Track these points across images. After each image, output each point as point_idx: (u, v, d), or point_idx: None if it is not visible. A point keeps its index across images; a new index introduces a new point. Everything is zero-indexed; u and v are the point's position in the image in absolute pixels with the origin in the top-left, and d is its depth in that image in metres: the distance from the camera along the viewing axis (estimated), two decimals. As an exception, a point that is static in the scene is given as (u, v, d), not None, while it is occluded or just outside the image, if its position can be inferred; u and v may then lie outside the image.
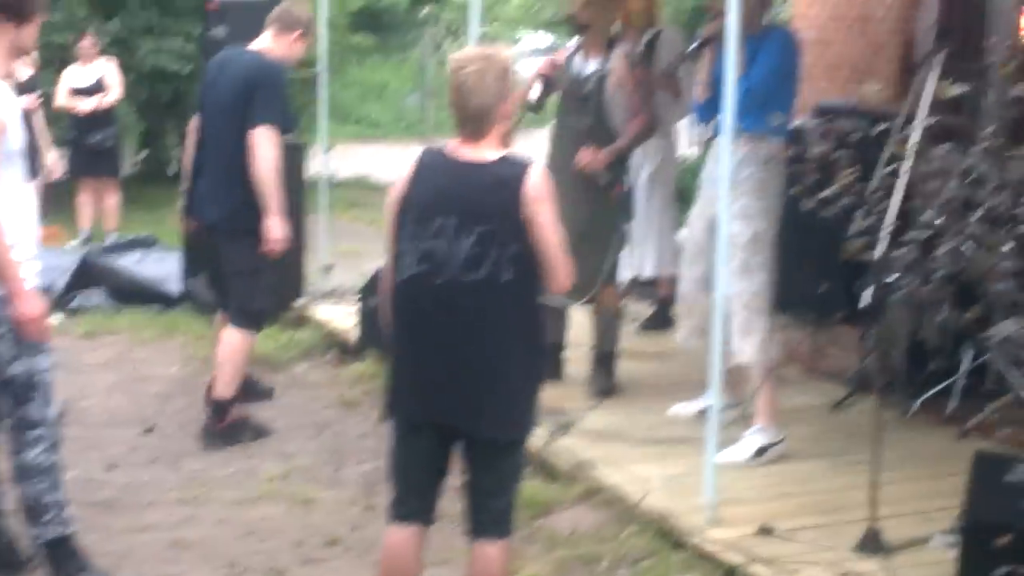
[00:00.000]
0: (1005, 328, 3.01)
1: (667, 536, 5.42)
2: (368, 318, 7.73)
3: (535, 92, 6.85)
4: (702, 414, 6.52)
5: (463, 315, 4.17)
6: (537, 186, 4.15)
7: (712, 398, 5.54)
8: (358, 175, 16.35)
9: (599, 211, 6.93)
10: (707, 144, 6.82)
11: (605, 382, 7.14)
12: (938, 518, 5.36)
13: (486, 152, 4.21)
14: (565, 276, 4.23)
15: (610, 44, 6.97)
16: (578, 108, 6.94)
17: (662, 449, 6.31)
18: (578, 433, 6.49)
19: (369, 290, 7.74)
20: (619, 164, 6.98)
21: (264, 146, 6.44)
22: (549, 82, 6.89)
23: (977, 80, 7.07)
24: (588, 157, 6.84)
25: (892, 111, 8.31)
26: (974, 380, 6.74)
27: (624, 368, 7.31)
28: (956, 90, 3.47)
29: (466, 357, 4.19)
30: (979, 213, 3.83)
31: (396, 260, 4.27)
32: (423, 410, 4.28)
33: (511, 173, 4.17)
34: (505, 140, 4.29)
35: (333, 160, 14.23)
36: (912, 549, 5.22)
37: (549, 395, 6.77)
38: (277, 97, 6.58)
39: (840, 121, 7.94)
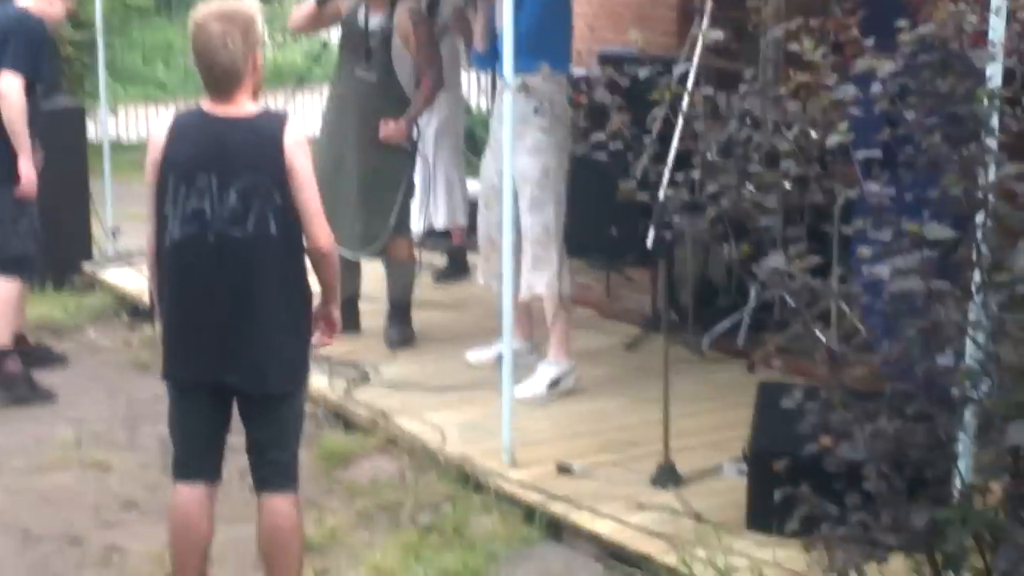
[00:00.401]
0: (772, 262, 3.11)
1: (467, 480, 5.48)
2: (160, 279, 7.60)
3: None
4: (499, 359, 6.65)
5: (232, 271, 4.18)
6: (294, 138, 4.18)
7: (506, 343, 5.62)
8: (146, 138, 16.00)
9: (386, 163, 6.94)
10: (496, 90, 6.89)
11: (401, 333, 7.16)
12: (728, 448, 5.53)
13: (242, 107, 4.21)
14: (323, 229, 4.24)
15: (394, 1, 6.95)
16: (363, 62, 6.91)
17: (459, 396, 6.36)
18: (376, 384, 6.53)
19: (159, 251, 7.61)
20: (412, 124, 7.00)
21: (8, 89, 6.51)
22: None
23: (743, 24, 7.27)
24: (389, 130, 6.84)
25: (673, 57, 8.52)
26: (761, 315, 6.94)
27: (420, 318, 7.33)
28: (715, 35, 3.56)
29: (236, 313, 4.20)
30: (746, 152, 3.91)
31: (161, 223, 4.24)
32: (196, 370, 4.29)
33: (268, 126, 4.19)
34: (256, 93, 4.28)
35: (120, 123, 13.95)
36: (705, 479, 5.39)
37: (346, 347, 6.87)
38: (27, 46, 6.58)
39: (624, 68, 8.12)
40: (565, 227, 6.58)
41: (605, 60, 8.82)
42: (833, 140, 3.14)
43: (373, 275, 7.38)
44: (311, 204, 4.19)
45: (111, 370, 7.19)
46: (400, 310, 7.20)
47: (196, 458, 4.38)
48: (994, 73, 3.31)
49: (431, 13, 7.65)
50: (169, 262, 4.23)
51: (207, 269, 4.17)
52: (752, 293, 6.91)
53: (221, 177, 4.12)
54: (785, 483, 3.70)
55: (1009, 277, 3.03)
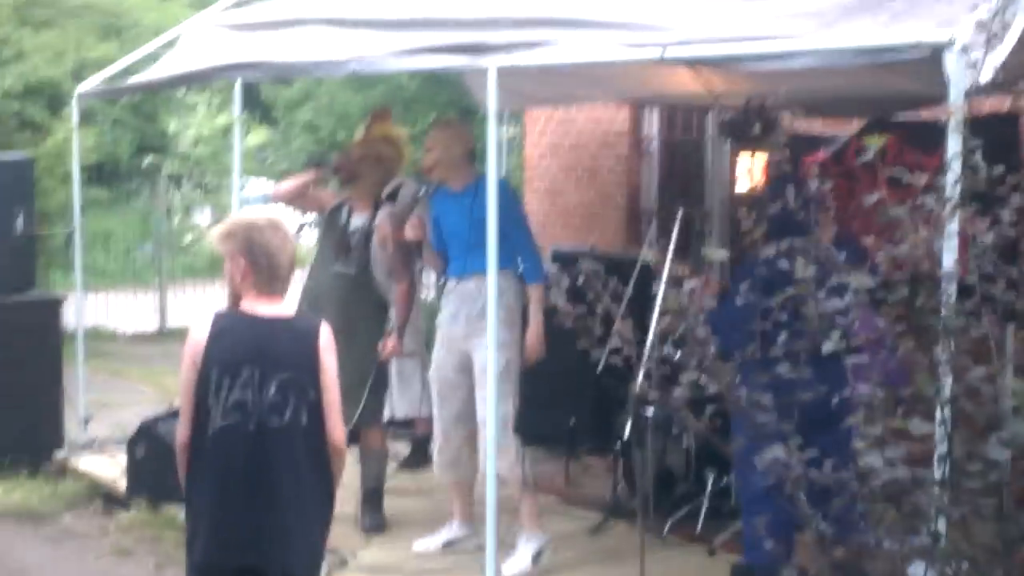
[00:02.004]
0: (772, 452, 3.52)
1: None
2: (136, 467, 7.88)
3: None
4: (447, 546, 6.99)
5: (271, 459, 4.50)
6: (327, 341, 4.62)
7: (490, 532, 5.93)
8: (91, 325, 16.21)
9: (358, 355, 7.27)
10: (441, 288, 7.39)
11: (375, 519, 7.44)
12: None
13: (283, 308, 4.60)
14: (340, 425, 4.63)
15: (377, 203, 7.40)
16: (343, 257, 7.32)
17: (433, 579, 6.65)
18: (354, 569, 6.78)
19: (136, 440, 7.90)
20: (387, 319, 7.37)
21: None
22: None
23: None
24: (388, 349, 7.23)
25: (624, 256, 9.04)
26: (718, 501, 7.32)
27: (390, 505, 7.63)
28: (722, 255, 4.02)
29: (270, 498, 4.51)
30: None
31: (198, 414, 4.56)
32: (228, 553, 4.56)
33: (307, 327, 4.65)
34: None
35: (65, 312, 14.16)
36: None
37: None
38: None
39: (578, 264, 8.61)
40: (524, 417, 6.94)
41: (558, 257, 9.35)
42: (827, 348, 3.58)
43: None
44: (334, 401, 4.59)
45: (91, 556, 7.36)
46: (373, 497, 7.49)
47: None
48: (951, 290, 3.79)
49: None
50: (209, 449, 4.54)
51: (246, 456, 4.50)
52: (710, 480, 7.30)
53: (263, 371, 4.49)
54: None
55: (981, 467, 3.45)
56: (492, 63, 5.74)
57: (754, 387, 3.79)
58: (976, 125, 6.66)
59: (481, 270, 6.57)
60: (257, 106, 23.35)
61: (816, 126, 8.69)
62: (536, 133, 11.39)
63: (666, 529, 7.22)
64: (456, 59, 6.08)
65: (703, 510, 7.28)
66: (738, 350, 3.97)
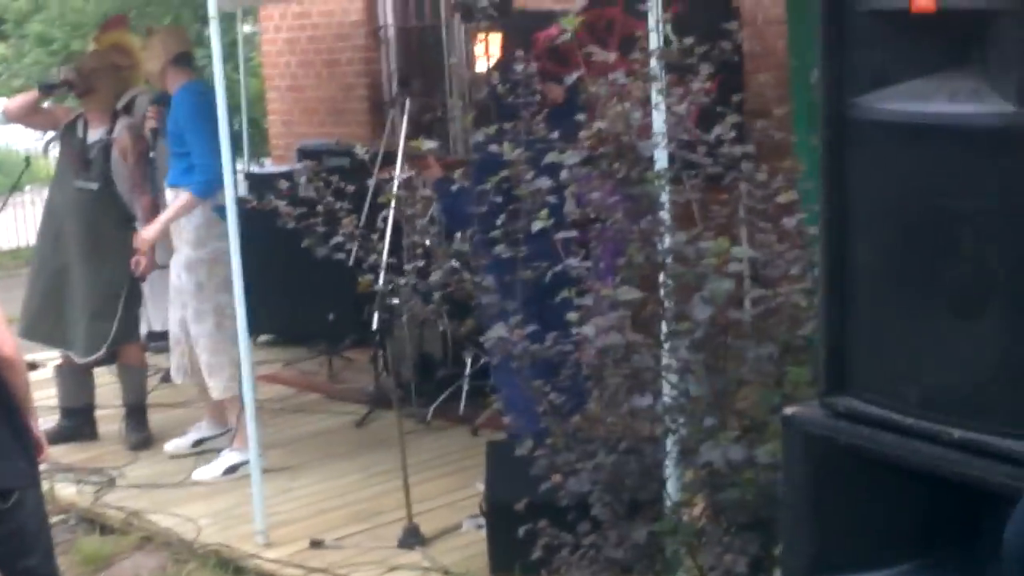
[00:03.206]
0: (495, 332, 3.65)
1: (227, 565, 5.80)
2: None
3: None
4: (197, 445, 7.09)
5: None
6: None
7: (252, 434, 5.99)
8: None
9: (108, 270, 7.20)
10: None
11: (140, 434, 7.41)
12: (465, 506, 6.03)
13: None
14: (5, 336, 4.43)
15: (115, 114, 7.28)
16: (83, 174, 7.20)
17: (205, 488, 6.67)
18: (123, 486, 6.76)
19: None
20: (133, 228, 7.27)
21: None
22: None
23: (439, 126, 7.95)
24: (143, 265, 7.08)
25: (369, 148, 9.06)
26: (477, 382, 7.48)
27: (153, 419, 7.59)
28: (427, 145, 4.10)
29: None
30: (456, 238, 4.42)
31: None
32: None
33: None
34: None
35: None
36: (447, 536, 5.86)
37: (88, 454, 7.12)
38: None
39: (324, 161, 8.60)
40: (283, 316, 6.98)
41: (305, 154, 9.32)
42: (536, 225, 3.71)
43: (105, 382, 7.65)
44: None
45: None
46: (136, 413, 7.46)
47: None
48: (660, 157, 3.94)
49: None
50: None
51: None
52: (468, 363, 7.45)
53: None
54: (523, 525, 4.21)
55: (690, 326, 3.64)
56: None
57: (477, 270, 3.91)
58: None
59: (172, 183, 6.64)
60: (-13, 22, 22.47)
61: (547, 2, 8.78)
62: (272, 30, 11.25)
63: (429, 414, 7.38)
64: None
65: (464, 392, 7.44)
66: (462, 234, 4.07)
